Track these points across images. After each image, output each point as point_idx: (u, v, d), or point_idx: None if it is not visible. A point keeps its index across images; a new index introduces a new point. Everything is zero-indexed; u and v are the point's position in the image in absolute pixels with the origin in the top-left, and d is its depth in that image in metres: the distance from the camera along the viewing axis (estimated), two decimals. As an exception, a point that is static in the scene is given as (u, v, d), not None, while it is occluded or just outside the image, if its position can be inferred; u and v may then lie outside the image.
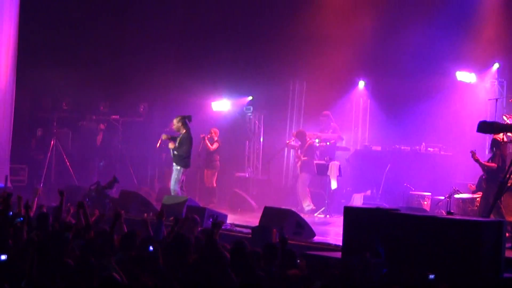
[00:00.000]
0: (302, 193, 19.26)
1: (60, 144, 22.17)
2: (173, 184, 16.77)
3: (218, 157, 20.64)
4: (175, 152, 16.76)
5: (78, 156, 22.46)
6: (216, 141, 20.54)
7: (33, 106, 23.58)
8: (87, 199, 15.66)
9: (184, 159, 16.77)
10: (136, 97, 22.83)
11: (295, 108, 22.64)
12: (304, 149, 19.52)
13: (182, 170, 16.80)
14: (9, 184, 21.04)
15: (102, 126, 22.60)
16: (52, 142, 22.21)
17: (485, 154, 16.73)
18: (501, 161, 14.93)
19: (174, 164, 16.89)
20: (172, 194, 16.65)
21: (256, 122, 22.71)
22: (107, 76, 22.67)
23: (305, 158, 19.46)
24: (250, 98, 22.63)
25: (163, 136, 17.10)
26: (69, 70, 21.51)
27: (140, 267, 8.31)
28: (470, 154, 15.06)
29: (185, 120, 16.77)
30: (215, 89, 22.30)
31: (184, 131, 16.75)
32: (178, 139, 16.77)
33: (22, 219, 10.96)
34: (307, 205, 19.03)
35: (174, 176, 16.80)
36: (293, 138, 20.58)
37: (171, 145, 16.78)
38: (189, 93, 21.86)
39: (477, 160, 15.01)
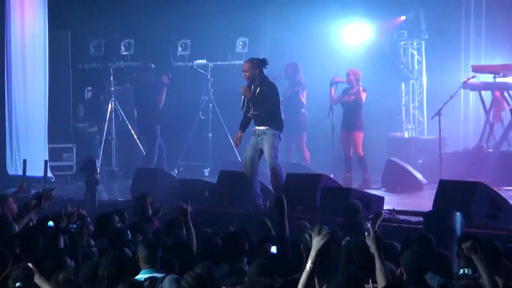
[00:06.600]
0: None
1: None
2: (271, 156, 12.97)
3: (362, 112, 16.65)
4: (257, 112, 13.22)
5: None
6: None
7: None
8: None
9: (277, 119, 13.28)
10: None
11: (471, 30, 17.98)
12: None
13: (278, 135, 13.28)
14: (50, 174, 17.88)
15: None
16: (110, 106, 18.97)
17: None
18: None
19: (261, 128, 13.08)
20: (271, 168, 13.05)
21: (414, 53, 18.51)
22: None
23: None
24: (403, 18, 18.26)
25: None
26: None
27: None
28: None
29: (262, 66, 12.98)
30: (348, 9, 17.82)
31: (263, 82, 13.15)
32: (257, 93, 13.10)
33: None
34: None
35: (268, 144, 12.96)
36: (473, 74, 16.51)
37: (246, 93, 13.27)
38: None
39: None
